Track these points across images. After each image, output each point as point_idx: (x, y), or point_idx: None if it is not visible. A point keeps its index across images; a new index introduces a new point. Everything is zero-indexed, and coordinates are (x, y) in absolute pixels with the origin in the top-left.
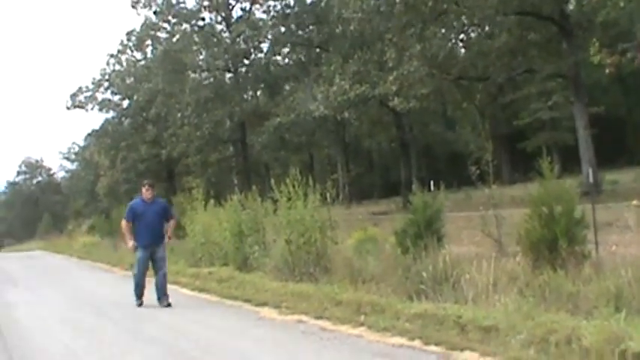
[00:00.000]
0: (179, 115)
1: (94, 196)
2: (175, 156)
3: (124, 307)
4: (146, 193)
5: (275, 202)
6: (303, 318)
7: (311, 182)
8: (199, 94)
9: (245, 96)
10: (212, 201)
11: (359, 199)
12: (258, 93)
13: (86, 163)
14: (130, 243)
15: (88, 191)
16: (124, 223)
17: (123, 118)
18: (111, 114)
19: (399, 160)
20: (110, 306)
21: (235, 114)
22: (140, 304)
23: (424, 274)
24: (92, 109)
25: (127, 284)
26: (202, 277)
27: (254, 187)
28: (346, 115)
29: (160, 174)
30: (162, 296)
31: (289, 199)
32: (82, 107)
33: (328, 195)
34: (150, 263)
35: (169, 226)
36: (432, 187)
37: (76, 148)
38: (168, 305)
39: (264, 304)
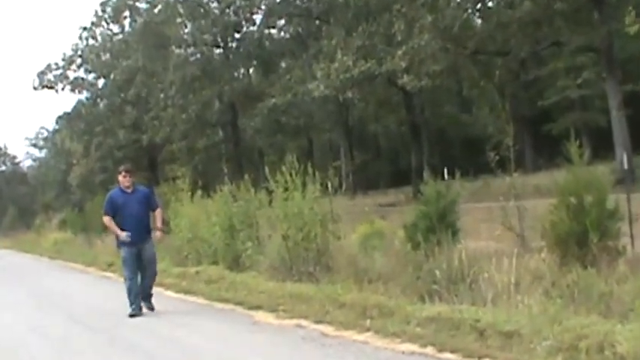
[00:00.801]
0: (162, 95)
1: (66, 188)
2: (158, 142)
3: (101, 313)
4: (124, 180)
5: (270, 192)
6: (303, 322)
7: (310, 170)
8: (184, 72)
9: (236, 74)
10: (199, 192)
11: (364, 189)
12: (251, 71)
13: (56, 150)
14: (122, 233)
15: (59, 182)
16: (105, 218)
17: (98, 100)
18: (84, 95)
19: (408, 145)
20: (85, 311)
21: (225, 94)
22: (135, 314)
23: (437, 272)
24: (63, 89)
25: (104, 286)
26: (189, 277)
27: (246, 176)
28: (349, 95)
29: (140, 162)
30: (147, 297)
31: (286, 189)
32: (51, 87)
33: (330, 185)
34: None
35: (157, 218)
36: (445, 175)
37: (45, 134)
38: (152, 309)
39: (258, 307)
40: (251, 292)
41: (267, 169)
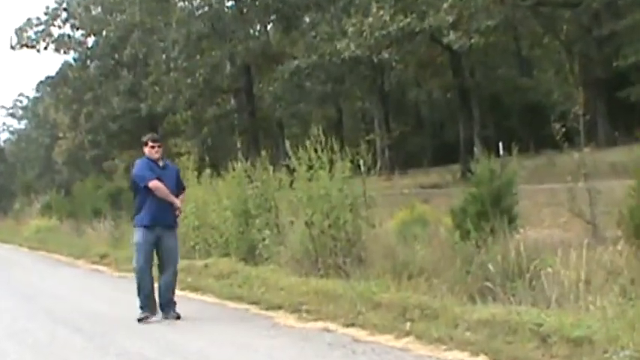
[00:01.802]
0: (163, 56)
1: (50, 166)
2: (159, 111)
3: (92, 314)
4: (152, 152)
5: (292, 171)
6: (330, 325)
7: (339, 145)
8: (190, 29)
9: (251, 31)
10: (208, 171)
11: (403, 168)
12: (269, 27)
13: (38, 121)
14: (177, 201)
15: (42, 158)
16: (155, 184)
17: (87, 61)
18: (71, 55)
19: (456, 115)
20: (73, 312)
21: (238, 55)
22: (145, 318)
23: (491, 267)
24: (45, 48)
25: (96, 282)
26: (196, 271)
27: (263, 153)
28: (386, 55)
29: (138, 135)
30: (167, 304)
31: (310, 167)
32: (31, 46)
33: (362, 162)
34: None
35: (182, 198)
36: (500, 151)
37: (25, 102)
38: (178, 318)
39: (278, 307)
40: (269, 289)
41: (287, 144)
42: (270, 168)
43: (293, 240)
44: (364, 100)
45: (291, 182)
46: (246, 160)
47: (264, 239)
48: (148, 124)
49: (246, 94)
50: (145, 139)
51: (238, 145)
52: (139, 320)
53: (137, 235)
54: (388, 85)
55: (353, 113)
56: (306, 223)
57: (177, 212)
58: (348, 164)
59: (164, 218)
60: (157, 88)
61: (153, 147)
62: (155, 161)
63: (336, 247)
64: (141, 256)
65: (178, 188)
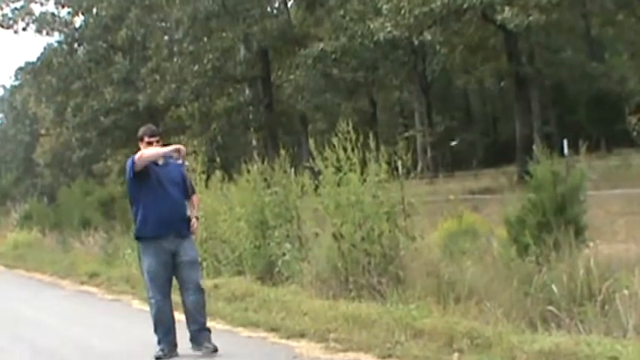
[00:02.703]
0: (165, 38)
1: (31, 168)
2: (160, 104)
3: (83, 348)
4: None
5: (316, 174)
6: (363, 357)
7: (373, 143)
8: (197, 7)
9: (269, 9)
10: (218, 173)
11: (449, 169)
12: (290, 4)
13: (16, 115)
14: (168, 149)
15: (20, 160)
16: (137, 156)
17: (75, 45)
18: (55, 38)
19: (511, 107)
20: (59, 345)
21: (254, 37)
22: (165, 355)
23: (554, 287)
24: (25, 29)
25: (85, 306)
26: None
27: (283, 152)
28: (428, 37)
29: (135, 132)
30: (200, 333)
31: (338, 169)
32: (8, 27)
33: (400, 163)
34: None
35: (194, 204)
36: (565, 150)
37: (1, 92)
38: (215, 351)
39: (301, 335)
40: (290, 313)
41: (311, 142)
42: (292, 170)
43: (318, 255)
44: (402, 90)
45: (316, 187)
46: (263, 161)
47: (284, 254)
48: (146, 119)
49: (263, 84)
50: (140, 133)
51: (254, 143)
52: (158, 358)
53: (147, 261)
54: (431, 72)
55: (389, 106)
56: (334, 236)
57: (193, 226)
58: (384, 166)
59: (174, 224)
60: (157, 77)
61: (150, 143)
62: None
63: (370, 263)
64: (157, 287)
65: (186, 192)
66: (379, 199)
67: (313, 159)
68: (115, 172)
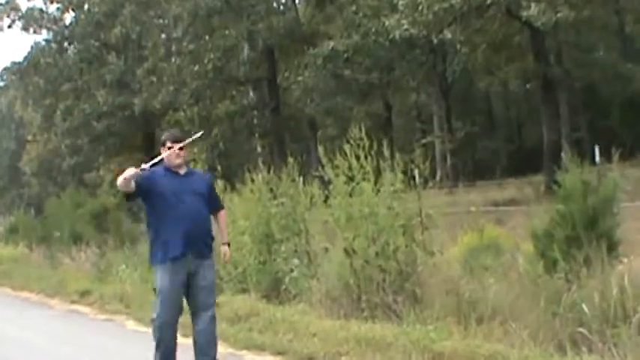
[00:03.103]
0: (163, 37)
1: (17, 177)
2: (157, 108)
3: None
4: (173, 156)
5: (327, 184)
6: None
7: (388, 150)
8: (197, 2)
9: (275, 5)
10: (220, 183)
11: (470, 178)
12: (298, 0)
13: (1, 119)
14: (132, 170)
15: (6, 168)
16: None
17: (65, 43)
18: (44, 35)
19: (538, 111)
20: None
21: (259, 36)
22: None
23: (585, 307)
24: (10, 26)
25: (75, 327)
26: None
27: (291, 160)
28: (448, 35)
29: (131, 138)
30: None
31: (350, 179)
32: None
33: (417, 172)
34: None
35: (222, 224)
36: (596, 157)
37: None
38: None
39: (309, 358)
40: (298, 334)
41: (321, 149)
42: (300, 180)
43: (328, 272)
44: (419, 92)
45: (326, 198)
46: (269, 169)
47: (291, 271)
48: (142, 124)
49: (269, 86)
50: (163, 137)
51: (258, 150)
52: None
53: (161, 278)
54: (451, 73)
55: (405, 109)
56: (346, 251)
57: (225, 256)
58: (400, 175)
59: (195, 243)
60: (154, 79)
61: (172, 148)
62: (173, 167)
63: (385, 280)
64: (166, 306)
65: (211, 206)
66: (394, 211)
67: (323, 167)
68: (107, 181)
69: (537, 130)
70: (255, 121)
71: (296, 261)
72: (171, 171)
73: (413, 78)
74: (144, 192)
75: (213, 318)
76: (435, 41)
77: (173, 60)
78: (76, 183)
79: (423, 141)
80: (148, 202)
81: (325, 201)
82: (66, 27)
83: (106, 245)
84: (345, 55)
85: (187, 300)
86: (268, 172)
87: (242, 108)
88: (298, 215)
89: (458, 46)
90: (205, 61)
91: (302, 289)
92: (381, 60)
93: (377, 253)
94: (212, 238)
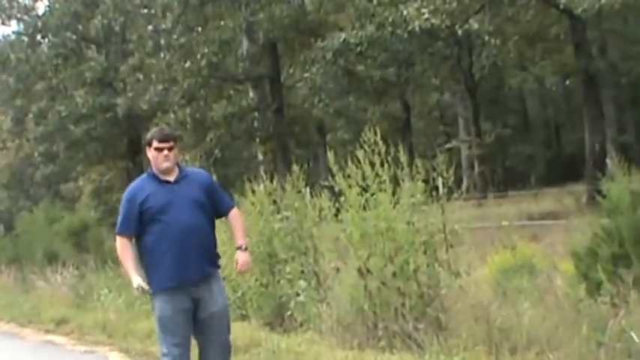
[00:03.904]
0: (149, 28)
1: None
2: (144, 109)
3: None
4: (160, 159)
5: (337, 195)
6: None
7: (407, 157)
8: None
9: None
10: None
11: (501, 188)
12: None
13: None
14: (137, 281)
15: None
16: (119, 242)
17: (38, 37)
18: (14, 28)
19: (579, 111)
20: None
21: (260, 27)
22: None
23: (634, 336)
24: None
25: None
26: None
27: (296, 168)
28: (475, 25)
29: (114, 144)
30: None
31: (364, 189)
32: None
33: (441, 181)
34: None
35: (235, 226)
36: None
37: None
38: None
39: None
40: None
41: (331, 155)
42: (307, 191)
43: (340, 296)
44: (443, 90)
45: (337, 211)
46: (271, 179)
47: (297, 295)
48: (126, 128)
49: (271, 84)
50: (148, 136)
51: (260, 157)
52: None
53: (159, 307)
54: (478, 69)
55: (426, 110)
56: (360, 271)
57: (241, 264)
58: (420, 184)
59: (195, 266)
60: (140, 76)
61: (159, 149)
62: (163, 174)
63: (404, 305)
64: (172, 338)
65: (217, 211)
66: (415, 226)
67: (333, 176)
68: (87, 193)
69: (578, 133)
70: (255, 124)
71: (303, 283)
72: (158, 179)
73: (435, 74)
74: (138, 225)
75: (228, 351)
76: (460, 32)
77: (162, 55)
78: (51, 195)
79: (447, 146)
80: (143, 223)
81: (336, 215)
82: (39, 17)
83: (85, 266)
84: (358, 49)
85: (194, 331)
86: (271, 181)
87: (241, 109)
88: (305, 231)
89: (486, 38)
90: (198, 56)
91: (310, 315)
92: (399, 54)
93: (395, 274)
94: (217, 255)
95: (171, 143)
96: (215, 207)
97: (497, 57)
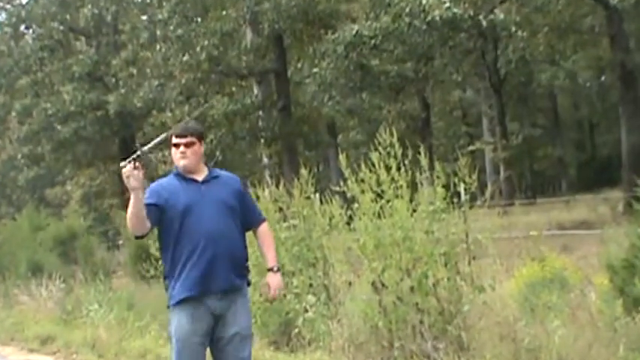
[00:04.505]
0: (144, 18)
1: None
2: (138, 107)
3: None
4: (178, 155)
5: (349, 202)
6: None
7: (426, 159)
8: None
9: None
10: None
11: (529, 195)
12: None
13: None
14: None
15: None
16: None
17: (22, 27)
18: None
19: (615, 110)
20: None
21: (265, 17)
22: None
23: None
24: None
25: None
26: None
27: (304, 172)
28: (500, 15)
29: (105, 145)
30: None
31: (379, 195)
32: None
33: (463, 186)
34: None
35: (265, 242)
36: None
37: None
38: None
39: None
40: None
41: (342, 158)
42: (316, 197)
43: (352, 312)
44: (465, 87)
45: (349, 219)
46: (277, 183)
47: (305, 311)
48: (119, 127)
49: (277, 80)
50: (170, 132)
51: (264, 160)
52: None
53: (177, 323)
54: (505, 63)
55: (447, 109)
56: (374, 285)
57: (271, 289)
58: (441, 190)
59: (222, 275)
60: (133, 71)
61: (176, 145)
62: (187, 172)
63: (422, 323)
64: (187, 358)
65: (246, 221)
66: (434, 236)
67: (345, 181)
68: (76, 199)
69: (614, 134)
70: (260, 123)
71: (311, 298)
72: (184, 178)
73: (457, 69)
74: (158, 220)
75: None
76: (485, 23)
77: (157, 48)
78: (35, 201)
79: (470, 148)
80: (160, 225)
81: (348, 223)
82: (22, 6)
83: (73, 279)
84: (372, 42)
85: (212, 353)
86: (277, 187)
87: (244, 108)
88: (314, 241)
89: (513, 30)
90: (198, 49)
91: (319, 333)
92: (417, 47)
93: (412, 288)
94: (247, 268)
95: (190, 139)
96: (243, 217)
97: (525, 50)
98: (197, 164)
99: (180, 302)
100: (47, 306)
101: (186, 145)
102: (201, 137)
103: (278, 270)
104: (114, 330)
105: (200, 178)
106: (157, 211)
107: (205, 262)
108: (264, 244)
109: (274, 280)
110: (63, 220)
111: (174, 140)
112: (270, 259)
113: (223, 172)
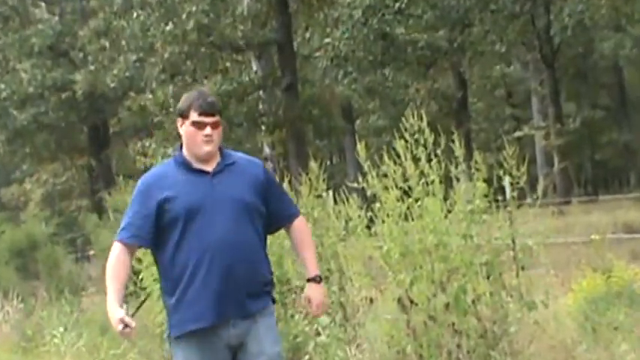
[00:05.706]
0: None
1: None
2: (111, 87)
3: None
4: (199, 137)
5: (369, 201)
6: None
7: (462, 149)
8: None
9: None
10: None
11: (589, 190)
12: None
13: None
14: (120, 314)
15: None
16: (114, 252)
17: None
18: None
19: None
20: None
21: None
22: None
23: None
24: None
25: None
26: None
27: (314, 165)
28: None
29: (71, 134)
30: None
31: (406, 192)
32: None
33: (508, 181)
34: None
35: (303, 243)
36: None
37: None
38: None
39: None
40: None
41: (361, 148)
42: (329, 195)
43: (374, 334)
44: (510, 60)
45: (370, 222)
46: (282, 178)
47: (318, 334)
48: (88, 113)
49: (281, 53)
50: (183, 105)
51: (266, 150)
52: None
53: (179, 356)
54: (559, 30)
55: (489, 87)
56: (400, 302)
57: (313, 307)
58: (481, 186)
59: (239, 296)
60: (105, 43)
61: (200, 125)
62: (194, 163)
63: (460, 347)
64: None
65: (277, 217)
66: (474, 242)
67: (364, 175)
68: (36, 200)
69: None
70: (260, 106)
71: (325, 319)
72: (190, 167)
73: (500, 38)
74: (153, 239)
75: None
76: None
77: (135, 15)
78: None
79: (517, 134)
80: (155, 233)
81: (368, 227)
82: None
83: (34, 297)
84: (397, 5)
85: None
86: (281, 182)
87: (241, 87)
88: (327, 249)
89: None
90: (184, 16)
91: (334, 358)
92: (452, 12)
93: (447, 306)
94: (271, 283)
95: (217, 117)
96: (271, 213)
97: (584, 14)
98: (216, 150)
99: (183, 336)
100: (2, 331)
101: (213, 126)
102: (221, 116)
103: (321, 280)
104: (83, 358)
105: (211, 168)
106: (149, 224)
107: (217, 282)
108: (302, 246)
109: (317, 293)
110: (21, 226)
111: (197, 118)
112: (310, 265)
113: (240, 156)
